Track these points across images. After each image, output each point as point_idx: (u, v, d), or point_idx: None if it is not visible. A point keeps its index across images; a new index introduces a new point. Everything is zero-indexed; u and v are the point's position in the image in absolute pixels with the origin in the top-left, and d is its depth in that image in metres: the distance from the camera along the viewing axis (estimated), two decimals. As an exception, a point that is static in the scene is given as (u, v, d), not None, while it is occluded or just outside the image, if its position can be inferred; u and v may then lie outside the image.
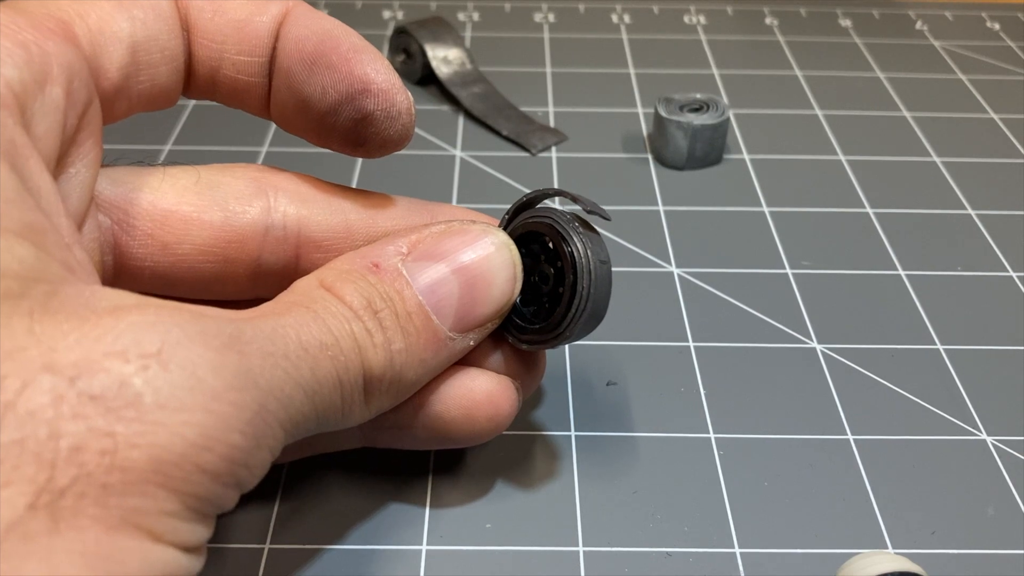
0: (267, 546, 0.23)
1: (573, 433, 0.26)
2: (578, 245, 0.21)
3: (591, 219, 0.22)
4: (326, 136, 0.22)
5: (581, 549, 0.23)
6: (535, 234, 0.22)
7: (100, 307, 0.15)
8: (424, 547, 0.23)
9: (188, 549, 0.15)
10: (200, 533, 0.15)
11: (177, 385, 0.14)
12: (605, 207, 0.23)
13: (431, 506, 0.24)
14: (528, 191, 0.22)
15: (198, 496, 0.15)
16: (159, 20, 0.20)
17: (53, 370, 0.14)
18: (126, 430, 0.14)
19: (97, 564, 0.13)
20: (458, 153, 0.38)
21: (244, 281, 0.22)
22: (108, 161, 0.21)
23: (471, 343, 0.21)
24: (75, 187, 0.19)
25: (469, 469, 0.25)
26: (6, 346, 0.14)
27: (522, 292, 0.22)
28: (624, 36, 0.48)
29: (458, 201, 0.35)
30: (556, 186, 0.36)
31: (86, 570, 0.13)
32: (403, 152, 0.38)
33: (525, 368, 0.23)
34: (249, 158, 0.37)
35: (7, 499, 0.13)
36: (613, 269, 0.22)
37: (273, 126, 0.39)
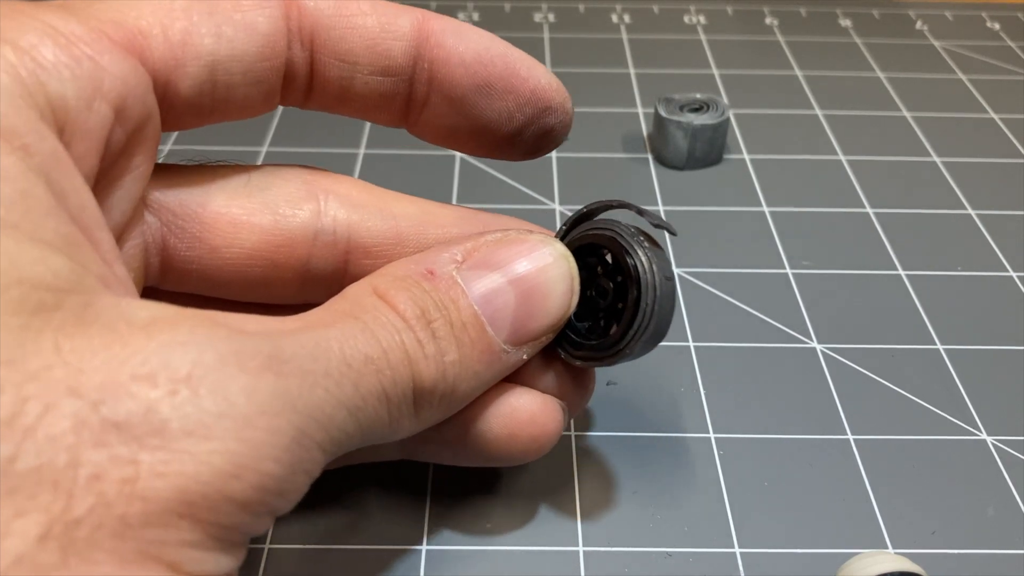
0: (267, 546, 0.23)
1: (573, 433, 0.26)
2: (643, 259, 0.20)
3: (655, 234, 0.21)
4: (497, 150, 0.22)
5: (581, 549, 0.23)
6: (593, 247, 0.21)
7: (135, 320, 0.14)
8: (424, 547, 0.23)
9: None
10: (225, 563, 0.15)
11: (207, 411, 0.14)
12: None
13: (431, 506, 0.24)
14: (587, 203, 0.22)
15: (224, 526, 0.14)
16: (249, 41, 0.19)
17: (77, 394, 0.13)
18: (150, 458, 0.13)
19: None
20: (458, 153, 0.38)
21: (292, 285, 0.21)
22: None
23: (524, 357, 0.20)
24: (120, 200, 0.18)
25: (469, 469, 0.25)
26: (32, 365, 0.13)
27: (577, 306, 0.21)
28: (624, 36, 0.48)
29: (458, 201, 0.35)
30: (556, 185, 0.36)
31: None
32: (403, 152, 0.38)
33: (573, 387, 0.22)
34: (250, 158, 0.37)
35: (19, 530, 0.12)
36: None
37: (274, 126, 0.39)
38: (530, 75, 0.21)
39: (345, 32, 0.20)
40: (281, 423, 0.15)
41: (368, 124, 0.40)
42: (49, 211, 0.15)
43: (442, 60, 0.21)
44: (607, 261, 0.21)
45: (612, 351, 0.20)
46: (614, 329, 0.20)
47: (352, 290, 0.19)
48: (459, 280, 0.19)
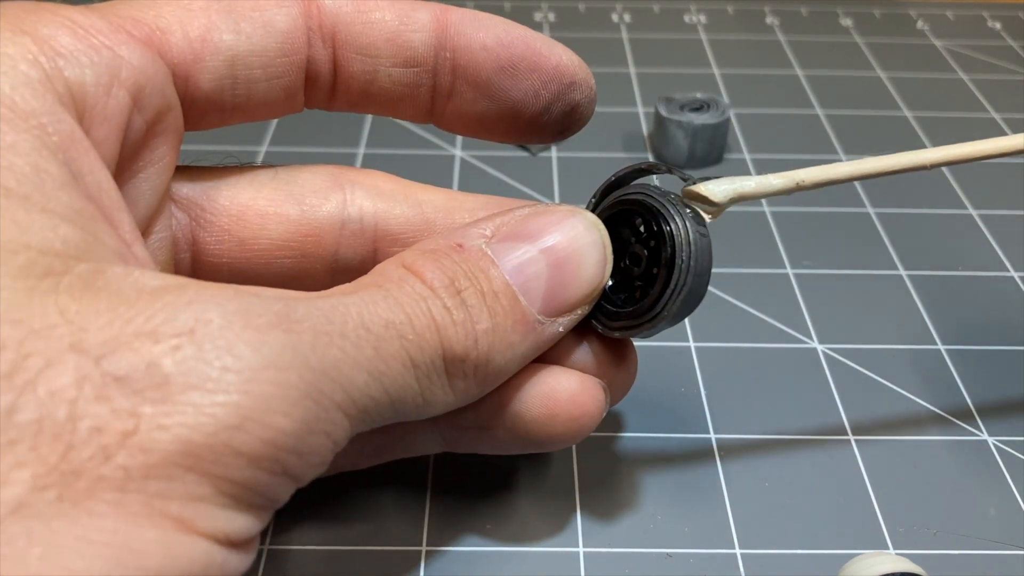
0: (266, 547, 0.23)
1: (573, 433, 0.26)
2: (674, 216, 0.19)
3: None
4: (526, 133, 0.22)
5: (581, 550, 0.23)
6: (625, 215, 0.21)
7: (145, 286, 0.14)
8: (424, 547, 0.23)
9: (227, 542, 0.14)
10: (241, 524, 0.14)
11: (210, 365, 0.14)
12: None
13: (431, 506, 0.24)
14: (615, 171, 0.21)
15: (234, 481, 0.14)
16: (268, 37, 0.20)
17: (79, 350, 0.13)
18: (152, 411, 0.13)
19: (109, 553, 0.13)
20: (458, 153, 0.38)
21: (323, 277, 0.21)
22: (187, 163, 0.21)
23: (560, 330, 0.20)
24: (145, 191, 0.19)
25: (469, 469, 0.25)
26: (35, 324, 0.13)
27: (612, 278, 0.21)
28: (624, 35, 0.48)
29: (458, 201, 0.35)
30: (556, 185, 0.36)
31: (95, 559, 0.12)
32: (402, 152, 0.38)
33: (613, 365, 0.21)
34: (249, 158, 0.37)
35: (18, 479, 0.12)
36: None
37: (272, 126, 0.39)
38: (551, 53, 0.21)
39: (365, 27, 0.20)
40: (290, 377, 0.14)
41: (367, 124, 0.40)
42: (63, 186, 0.15)
43: (464, 47, 0.21)
44: (640, 231, 0.21)
45: (650, 315, 0.20)
46: (652, 291, 0.20)
47: (380, 266, 0.19)
48: (489, 252, 0.19)
